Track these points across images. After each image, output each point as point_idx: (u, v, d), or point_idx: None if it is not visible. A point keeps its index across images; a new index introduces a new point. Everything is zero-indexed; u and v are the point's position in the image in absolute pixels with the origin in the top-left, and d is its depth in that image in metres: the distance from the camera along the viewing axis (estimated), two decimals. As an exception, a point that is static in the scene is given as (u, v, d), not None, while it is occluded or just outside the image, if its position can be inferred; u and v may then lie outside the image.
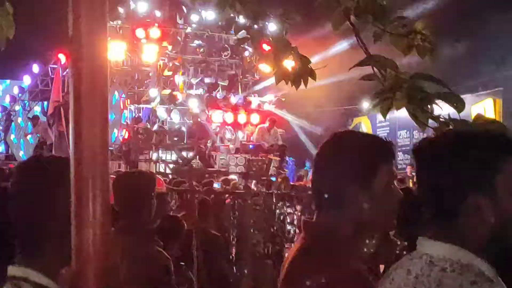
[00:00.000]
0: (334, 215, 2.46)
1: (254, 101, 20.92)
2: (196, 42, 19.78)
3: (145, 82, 19.32)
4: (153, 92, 18.65)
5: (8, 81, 26.84)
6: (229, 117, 19.70)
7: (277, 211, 8.87)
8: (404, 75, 3.23)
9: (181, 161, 18.30)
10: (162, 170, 17.48)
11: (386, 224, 2.63)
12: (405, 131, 26.60)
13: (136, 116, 19.42)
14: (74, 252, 1.90)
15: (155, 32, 18.26)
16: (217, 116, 19.39)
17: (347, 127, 28.59)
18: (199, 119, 18.75)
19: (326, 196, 2.47)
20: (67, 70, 21.55)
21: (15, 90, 24.70)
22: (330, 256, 2.40)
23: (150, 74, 19.35)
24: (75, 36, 1.85)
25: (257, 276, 8.44)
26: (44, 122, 21.46)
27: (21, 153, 23.08)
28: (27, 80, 23.99)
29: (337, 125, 27.23)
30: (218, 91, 20.39)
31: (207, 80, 20.29)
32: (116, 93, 20.65)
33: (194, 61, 20.09)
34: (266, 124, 19.23)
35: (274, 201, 8.79)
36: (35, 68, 23.21)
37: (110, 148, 19.11)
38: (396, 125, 25.86)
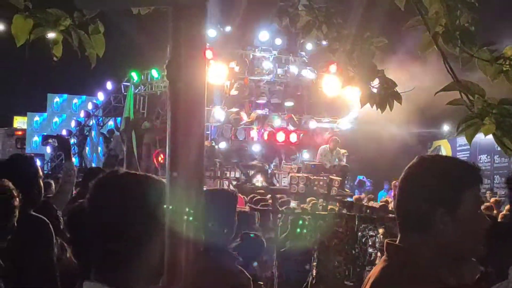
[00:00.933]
0: (417, 238, 2.46)
1: (326, 125, 21.25)
2: (263, 63, 20.26)
3: (213, 101, 19.90)
4: (219, 111, 19.20)
5: (84, 97, 27.87)
6: (294, 137, 20.08)
7: (359, 233, 8.73)
8: (492, 101, 3.20)
9: (244, 178, 18.86)
10: (225, 187, 17.98)
11: (471, 250, 2.57)
12: (486, 155, 26.28)
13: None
14: (166, 268, 1.96)
15: (208, 54, 18.85)
16: (280, 136, 19.79)
17: (426, 149, 28.98)
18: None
19: (409, 219, 2.49)
20: (139, 87, 22.45)
21: (89, 106, 25.71)
22: (411, 280, 2.39)
23: (218, 94, 19.90)
24: (174, 60, 1.99)
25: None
26: (117, 136, 22.27)
27: (93, 165, 24.02)
28: (101, 97, 24.97)
29: (416, 147, 27.09)
30: (284, 112, 20.84)
31: (273, 100, 20.75)
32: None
33: (260, 82, 20.56)
34: (328, 145, 19.57)
35: (356, 223, 8.68)
36: (109, 85, 24.17)
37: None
38: (476, 149, 25.45)
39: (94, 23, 4.09)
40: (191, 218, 1.91)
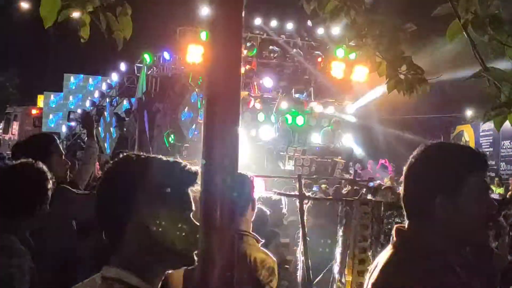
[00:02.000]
0: (422, 224, 2.51)
1: (331, 109, 21.58)
2: (271, 47, 20.63)
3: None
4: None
5: (99, 77, 28.38)
6: (300, 120, 20.43)
7: (385, 220, 8.47)
8: None
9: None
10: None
11: (477, 235, 2.59)
12: (509, 141, 26.54)
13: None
14: (200, 256, 1.99)
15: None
16: (288, 119, 20.16)
17: (450, 135, 29.43)
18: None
19: (413, 206, 2.56)
20: (151, 69, 22.93)
21: (104, 86, 26.24)
22: (418, 264, 2.43)
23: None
24: (211, 47, 2.02)
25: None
26: (130, 116, 22.81)
27: (106, 146, 24.63)
28: (114, 77, 25.49)
29: (439, 132, 27.83)
30: (291, 95, 21.21)
31: (281, 84, 21.12)
32: (195, 92, 21.80)
33: (269, 65, 20.93)
34: (331, 127, 19.96)
35: (383, 210, 8.43)
36: (122, 66, 24.65)
37: (186, 144, 20.40)
38: (500, 135, 25.39)
39: (122, 5, 4.09)
40: (225, 205, 1.94)
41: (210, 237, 1.95)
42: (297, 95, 21.27)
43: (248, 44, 19.96)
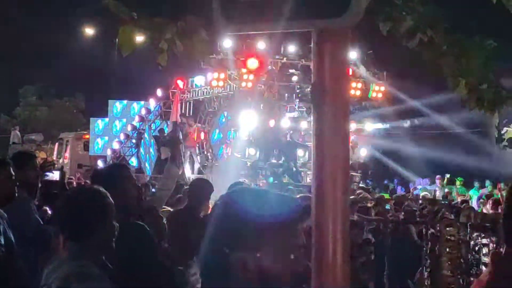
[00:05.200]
0: None
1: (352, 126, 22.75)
2: (291, 70, 22.04)
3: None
4: (250, 115, 20.99)
5: (141, 103, 30.12)
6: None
7: (472, 242, 8.42)
8: None
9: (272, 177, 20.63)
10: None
11: None
12: None
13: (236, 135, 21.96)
14: (315, 265, 2.07)
15: (253, 63, 20.71)
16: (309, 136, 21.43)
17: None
18: (288, 139, 21.07)
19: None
20: (184, 93, 24.62)
21: (143, 111, 28.00)
22: None
23: (248, 99, 21.78)
24: (318, 83, 2.08)
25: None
26: (165, 139, 24.46)
27: (147, 167, 26.30)
28: (152, 103, 27.25)
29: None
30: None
31: (301, 104, 22.49)
32: (223, 114, 23.35)
33: (289, 87, 22.33)
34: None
35: (469, 231, 8.40)
36: (159, 92, 26.39)
37: (216, 164, 21.93)
38: None
39: (198, 32, 4.33)
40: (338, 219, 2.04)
41: (323, 247, 2.06)
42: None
43: (269, 68, 21.42)
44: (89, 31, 42.54)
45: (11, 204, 5.51)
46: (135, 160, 27.44)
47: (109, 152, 28.41)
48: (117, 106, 31.02)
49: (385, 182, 23.79)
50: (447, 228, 8.13)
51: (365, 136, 23.33)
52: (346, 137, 2.10)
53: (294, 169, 20.76)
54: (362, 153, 21.37)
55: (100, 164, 27.83)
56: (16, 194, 5.56)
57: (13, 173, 5.49)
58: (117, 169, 5.53)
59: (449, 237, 8.12)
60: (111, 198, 4.00)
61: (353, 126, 22.45)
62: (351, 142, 20.88)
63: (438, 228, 8.13)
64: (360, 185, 20.50)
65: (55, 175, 8.46)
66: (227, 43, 20.68)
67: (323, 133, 2.08)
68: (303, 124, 21.51)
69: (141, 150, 27.11)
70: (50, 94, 48.46)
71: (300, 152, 20.94)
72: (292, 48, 22.03)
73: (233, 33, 3.96)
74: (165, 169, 6.98)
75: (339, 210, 2.04)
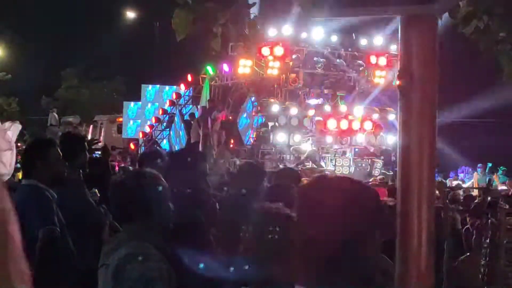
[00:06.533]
0: None
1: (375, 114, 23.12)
2: (315, 58, 22.52)
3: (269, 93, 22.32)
4: (274, 103, 21.52)
5: (174, 87, 30.86)
6: (344, 124, 22.12)
7: None
8: None
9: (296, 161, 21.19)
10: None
11: None
12: None
13: (262, 121, 22.53)
14: (400, 253, 2.11)
15: (279, 50, 21.26)
16: (331, 123, 21.89)
17: None
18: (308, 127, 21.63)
19: None
20: (214, 79, 25.28)
21: (174, 96, 28.76)
22: None
23: (275, 86, 22.34)
24: (406, 70, 2.10)
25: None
26: (195, 123, 25.14)
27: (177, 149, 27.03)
28: (183, 88, 28.01)
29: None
30: (337, 101, 23.03)
31: (326, 91, 23.00)
32: (250, 100, 23.95)
33: (315, 75, 22.83)
34: (372, 130, 21.63)
35: None
36: (189, 77, 27.13)
37: (243, 148, 22.56)
38: None
39: (250, 18, 4.35)
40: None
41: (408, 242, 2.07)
42: (340, 102, 23.08)
43: (294, 56, 21.93)
44: (130, 14, 43.45)
45: (63, 184, 5.56)
46: (166, 143, 28.22)
47: (140, 135, 29.26)
48: (149, 90, 31.85)
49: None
50: (507, 218, 8.05)
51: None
52: (433, 124, 2.08)
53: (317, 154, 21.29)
54: (390, 140, 21.59)
55: (132, 146, 28.76)
56: (66, 175, 5.63)
57: (61, 154, 5.51)
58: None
59: (510, 227, 8.03)
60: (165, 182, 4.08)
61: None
62: (374, 128, 21.43)
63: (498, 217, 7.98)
64: (382, 171, 20.95)
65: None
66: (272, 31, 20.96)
67: (410, 120, 2.09)
68: (327, 108, 21.95)
69: (171, 133, 27.86)
70: (91, 77, 49.48)
71: (297, 137, 21.16)
72: (317, 36, 22.45)
73: (320, 18, 3.79)
74: (218, 153, 7.14)
75: (424, 199, 2.02)
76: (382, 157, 21.45)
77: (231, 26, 4.50)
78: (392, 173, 21.45)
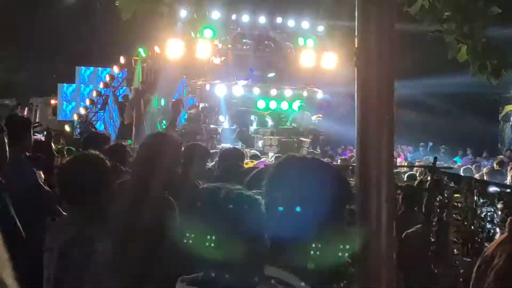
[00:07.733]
0: None
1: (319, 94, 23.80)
2: (244, 40, 22.94)
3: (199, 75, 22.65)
4: (205, 84, 21.88)
5: (108, 69, 30.88)
6: (273, 104, 22.66)
7: (478, 209, 8.05)
8: None
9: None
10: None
11: None
12: None
13: (193, 102, 22.89)
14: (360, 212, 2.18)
15: (208, 32, 21.59)
16: (261, 104, 22.37)
17: (498, 114, 29.95)
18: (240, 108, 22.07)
19: None
20: (146, 61, 25.47)
21: (107, 78, 28.87)
22: None
23: (205, 68, 22.68)
24: (363, 48, 2.11)
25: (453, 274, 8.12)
26: (128, 105, 25.34)
27: (111, 132, 27.18)
28: (116, 69, 28.15)
29: (486, 112, 28.06)
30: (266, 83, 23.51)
31: (256, 73, 23.45)
32: (181, 82, 24.27)
33: (244, 56, 23.25)
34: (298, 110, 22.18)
35: (475, 199, 7.99)
36: (122, 59, 27.28)
37: (176, 129, 22.88)
38: None
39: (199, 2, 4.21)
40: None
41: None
42: (271, 83, 23.56)
43: (223, 38, 22.31)
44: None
45: (9, 166, 5.26)
46: (101, 124, 28.36)
47: (75, 117, 29.30)
48: (84, 72, 31.85)
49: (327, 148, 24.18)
50: (454, 195, 7.88)
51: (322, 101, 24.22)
52: (391, 101, 2.09)
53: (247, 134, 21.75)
54: (311, 119, 22.19)
55: (67, 128, 28.78)
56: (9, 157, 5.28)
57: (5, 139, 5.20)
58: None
59: (456, 204, 7.83)
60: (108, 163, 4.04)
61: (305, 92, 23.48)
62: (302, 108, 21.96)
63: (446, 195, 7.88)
64: (310, 150, 21.49)
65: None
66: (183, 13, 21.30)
67: (368, 95, 2.08)
68: (255, 91, 22.42)
69: (105, 115, 28.00)
70: (30, 59, 48.71)
71: (251, 118, 21.72)
72: (245, 18, 22.85)
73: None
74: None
75: (384, 169, 2.11)
76: (310, 136, 21.94)
77: (178, 7, 4.49)
78: (319, 151, 22.05)
